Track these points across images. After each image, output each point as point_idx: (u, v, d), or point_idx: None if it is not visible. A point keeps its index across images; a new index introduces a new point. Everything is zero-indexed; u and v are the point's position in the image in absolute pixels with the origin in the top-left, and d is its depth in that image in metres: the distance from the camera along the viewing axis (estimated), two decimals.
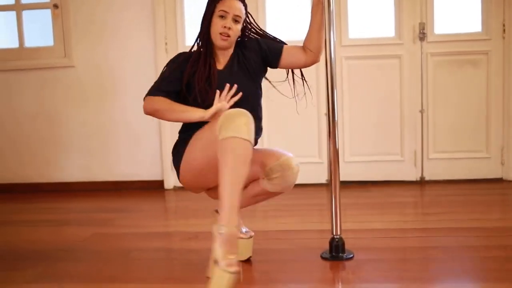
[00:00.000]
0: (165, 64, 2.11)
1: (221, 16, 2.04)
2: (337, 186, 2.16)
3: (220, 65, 2.10)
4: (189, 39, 3.89)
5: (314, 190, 3.73)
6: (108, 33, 3.95)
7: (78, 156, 4.07)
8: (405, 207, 3.18)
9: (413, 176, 3.89)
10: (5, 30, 4.10)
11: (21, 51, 4.04)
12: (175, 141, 2.14)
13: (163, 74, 2.06)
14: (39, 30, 4.02)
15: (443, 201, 3.29)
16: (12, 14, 4.01)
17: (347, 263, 2.11)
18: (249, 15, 2.16)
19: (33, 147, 4.08)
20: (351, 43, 3.82)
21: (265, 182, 2.04)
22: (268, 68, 2.19)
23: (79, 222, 3.05)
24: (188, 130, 2.05)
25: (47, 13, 3.97)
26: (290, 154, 2.04)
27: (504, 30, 3.71)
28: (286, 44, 2.19)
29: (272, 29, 3.36)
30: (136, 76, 3.95)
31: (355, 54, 3.82)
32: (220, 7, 2.04)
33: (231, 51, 2.12)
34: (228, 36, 2.04)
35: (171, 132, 3.89)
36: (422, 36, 3.75)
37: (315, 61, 2.19)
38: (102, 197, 3.80)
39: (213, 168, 1.83)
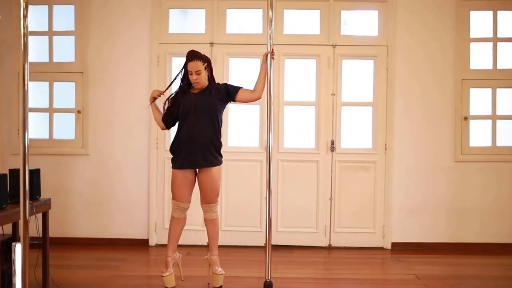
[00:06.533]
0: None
1: (190, 74, 3.58)
2: (270, 247, 3.75)
3: (196, 91, 3.66)
4: None
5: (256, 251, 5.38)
6: (114, 132, 5.58)
7: (85, 217, 5.58)
8: (317, 264, 4.91)
9: (324, 243, 5.61)
10: (40, 125, 5.64)
11: (51, 141, 5.59)
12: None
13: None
14: (65, 127, 5.59)
15: (344, 262, 5.03)
16: (46, 116, 5.58)
17: None
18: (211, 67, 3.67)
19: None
20: (285, 151, 5.59)
21: None
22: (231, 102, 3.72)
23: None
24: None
25: (72, 116, 5.56)
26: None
27: (386, 148, 5.58)
28: (242, 87, 3.70)
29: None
30: (131, 163, 5.57)
31: (288, 158, 5.59)
32: (188, 68, 3.59)
33: (206, 85, 3.66)
34: (198, 82, 3.51)
35: (156, 201, 5.49)
36: (332, 149, 5.57)
37: (259, 97, 3.64)
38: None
39: None
